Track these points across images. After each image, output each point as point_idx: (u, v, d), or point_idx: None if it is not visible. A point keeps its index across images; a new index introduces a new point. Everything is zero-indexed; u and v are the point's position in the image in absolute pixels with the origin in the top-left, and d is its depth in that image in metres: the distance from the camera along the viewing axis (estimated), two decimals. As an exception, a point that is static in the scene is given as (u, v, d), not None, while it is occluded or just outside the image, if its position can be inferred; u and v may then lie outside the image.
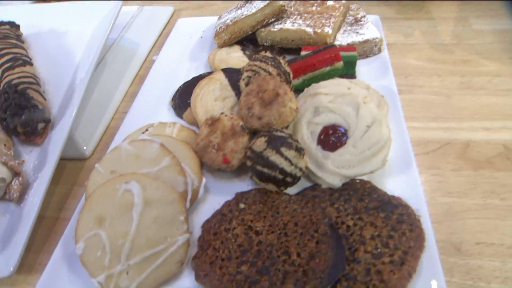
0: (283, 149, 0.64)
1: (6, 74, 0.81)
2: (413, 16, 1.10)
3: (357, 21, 0.98)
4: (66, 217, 0.75)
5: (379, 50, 0.94)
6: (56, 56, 0.92)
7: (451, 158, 0.75)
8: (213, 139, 0.72)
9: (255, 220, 0.66)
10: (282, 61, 0.78)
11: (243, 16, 0.94)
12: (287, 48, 0.96)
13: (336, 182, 0.68)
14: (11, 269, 0.63)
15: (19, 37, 0.92)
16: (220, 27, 0.98)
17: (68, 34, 0.97)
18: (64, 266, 0.64)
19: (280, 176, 0.65)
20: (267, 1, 0.92)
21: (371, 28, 0.94)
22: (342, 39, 0.93)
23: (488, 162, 0.73)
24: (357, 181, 0.70)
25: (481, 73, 0.90)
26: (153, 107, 0.89)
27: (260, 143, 0.66)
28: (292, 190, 0.70)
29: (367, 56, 0.94)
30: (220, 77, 0.85)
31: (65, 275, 0.63)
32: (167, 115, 0.88)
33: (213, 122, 0.72)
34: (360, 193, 0.68)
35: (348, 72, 0.87)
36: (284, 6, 0.92)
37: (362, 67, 0.91)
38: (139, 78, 1.02)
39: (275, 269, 0.59)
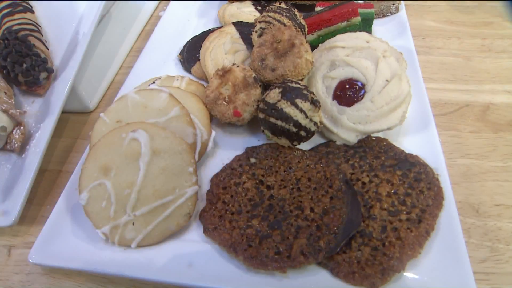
0: (298, 101, 0.61)
1: (5, 20, 0.77)
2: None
3: (374, -22, 0.93)
4: (69, 170, 0.72)
5: (397, 10, 0.89)
6: (58, 5, 0.87)
7: (470, 120, 0.72)
8: (224, 91, 0.68)
9: (267, 174, 0.63)
10: (297, 13, 0.74)
11: (255, -31, 0.89)
12: (300, 5, 0.92)
13: (352, 138, 0.65)
14: (13, 219, 0.61)
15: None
16: (231, -20, 0.93)
17: None
18: (67, 217, 0.62)
19: (294, 129, 0.62)
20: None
21: (389, -15, 0.90)
22: None
23: (509, 125, 0.70)
24: (373, 138, 0.67)
25: (503, 36, 0.87)
26: (160, 61, 0.86)
27: (273, 95, 0.63)
28: (304, 146, 0.67)
29: (383, 16, 0.90)
30: (231, 30, 0.81)
31: (68, 226, 0.61)
32: (174, 69, 0.85)
33: (224, 73, 0.68)
34: (376, 151, 0.65)
35: (364, 30, 0.82)
36: (298, -42, 0.88)
37: (378, 26, 0.87)
38: (145, 34, 0.98)
39: (287, 224, 0.56)
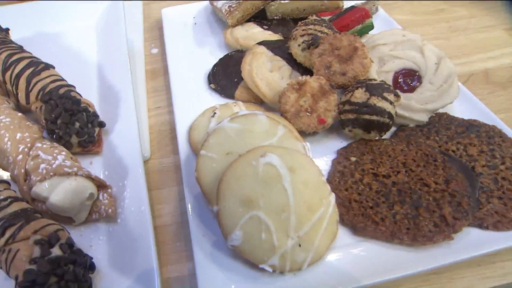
0: (385, 94, 0.68)
1: (34, 80, 0.67)
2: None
3: (348, -13, 1.05)
4: (165, 223, 0.66)
5: (377, 10, 1.02)
6: (67, 57, 0.78)
7: (483, 84, 0.87)
8: (303, 102, 0.71)
9: (375, 167, 0.68)
10: (330, 23, 0.81)
11: (253, -8, 0.93)
12: (298, 19, 0.98)
13: (424, 118, 0.74)
14: (157, 284, 0.54)
15: (12, 41, 0.75)
16: (229, 6, 0.95)
17: (66, 35, 0.83)
18: (214, 268, 0.57)
19: (388, 120, 0.68)
20: (275, -26, 0.93)
21: (365, -9, 1.02)
22: (345, 5, 0.99)
23: (509, 81, 0.88)
24: (434, 115, 0.77)
25: (458, 18, 1.06)
26: (194, 95, 0.83)
27: (360, 94, 0.68)
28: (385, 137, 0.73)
29: (368, 16, 1.02)
30: (263, 50, 0.83)
31: (219, 276, 0.56)
32: (211, 99, 0.83)
33: (300, 86, 0.71)
34: (443, 124, 0.75)
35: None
36: (291, -23, 0.94)
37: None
38: (151, 73, 0.93)
39: (425, 200, 0.62)
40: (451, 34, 1.01)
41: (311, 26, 0.79)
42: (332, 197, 0.60)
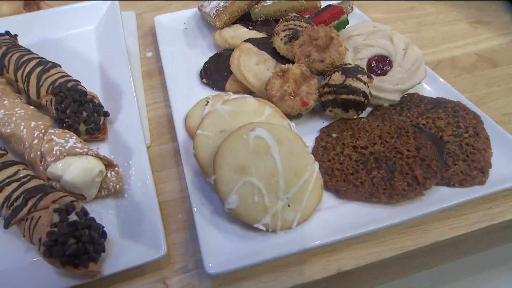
0: (359, 76, 0.76)
1: (44, 76, 0.74)
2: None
3: (324, -10, 1.15)
4: (168, 199, 0.73)
5: (352, 9, 1.12)
6: (70, 59, 0.86)
7: (450, 69, 0.96)
8: (287, 87, 0.79)
9: (354, 141, 0.76)
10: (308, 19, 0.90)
11: (238, -4, 1.02)
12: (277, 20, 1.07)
13: (396, 97, 0.82)
14: (163, 248, 0.60)
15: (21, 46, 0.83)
16: (216, 10, 1.03)
17: (68, 39, 0.91)
18: (213, 230, 0.64)
19: (363, 99, 0.76)
20: (257, -20, 1.02)
21: (340, -8, 1.12)
22: (323, 4, 1.09)
23: (473, 66, 0.97)
24: (405, 95, 0.85)
25: (427, 14, 1.16)
26: (188, 89, 0.91)
27: (337, 77, 0.76)
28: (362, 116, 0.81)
29: (345, 15, 1.11)
30: (249, 46, 0.92)
31: (219, 237, 0.63)
32: (204, 91, 0.91)
33: (284, 73, 0.79)
34: (414, 102, 0.83)
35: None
36: (272, -18, 1.04)
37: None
38: (147, 74, 1.01)
39: (399, 164, 0.70)
40: (421, 28, 1.11)
41: (291, 22, 0.87)
42: (316, 165, 0.68)
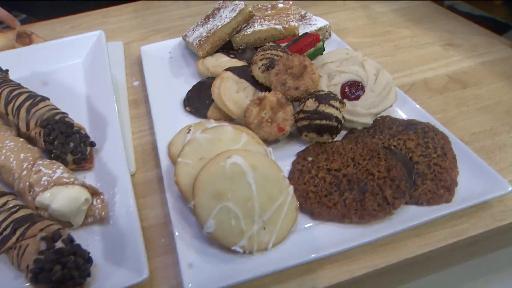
0: (332, 102, 0.81)
1: (33, 110, 0.78)
2: (330, 11, 1.39)
3: (303, 17, 1.21)
4: (151, 224, 0.76)
5: (330, 35, 1.18)
6: (58, 91, 0.90)
7: (423, 91, 1.01)
8: (264, 114, 0.83)
9: (328, 164, 0.80)
10: (285, 48, 0.95)
11: (219, 27, 1.07)
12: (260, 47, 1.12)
13: (369, 120, 0.87)
14: (146, 272, 0.63)
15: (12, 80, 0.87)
16: (199, 40, 1.09)
17: (57, 72, 0.96)
18: (193, 253, 0.67)
19: (335, 124, 0.80)
20: (237, 10, 1.08)
21: (318, 19, 1.18)
22: (301, 31, 1.14)
23: (444, 87, 1.02)
24: (378, 118, 0.90)
25: (402, 37, 1.22)
26: (172, 118, 0.95)
27: (311, 104, 0.81)
28: (337, 139, 0.86)
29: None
30: (229, 74, 0.97)
31: (199, 259, 0.66)
32: (188, 119, 0.95)
33: (260, 100, 0.84)
34: (386, 125, 0.88)
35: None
36: (252, 11, 1.09)
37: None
38: (133, 103, 1.05)
39: (370, 186, 0.74)
40: (396, 51, 1.16)
41: (268, 51, 0.92)
42: (291, 188, 0.72)
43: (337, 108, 0.80)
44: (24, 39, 1.33)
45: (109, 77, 0.88)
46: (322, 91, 0.84)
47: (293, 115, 0.84)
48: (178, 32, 1.33)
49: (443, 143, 0.82)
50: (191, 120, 0.95)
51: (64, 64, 0.96)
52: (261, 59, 0.92)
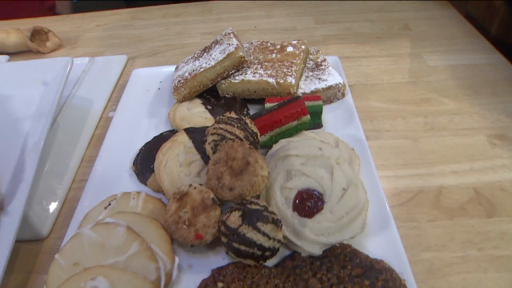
0: (259, 224, 0.61)
1: None
2: (370, 54, 1.11)
3: (317, 65, 0.98)
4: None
5: (343, 95, 0.93)
6: (1, 125, 0.84)
7: (426, 207, 0.74)
8: (183, 214, 0.67)
9: (237, 301, 0.62)
10: (248, 121, 0.75)
11: (201, 70, 0.90)
12: (250, 99, 0.93)
13: (316, 250, 0.66)
14: None
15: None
16: (179, 81, 0.94)
17: (13, 99, 0.90)
18: None
19: (259, 252, 0.61)
20: (226, 53, 0.89)
21: (333, 73, 0.94)
22: (305, 87, 0.92)
23: (462, 209, 0.74)
24: (337, 245, 0.67)
25: (442, 112, 0.92)
26: (114, 173, 0.84)
27: (234, 219, 0.63)
28: (270, 261, 0.66)
29: (331, 102, 0.93)
30: (184, 139, 0.81)
31: None
32: (129, 181, 0.82)
33: (181, 196, 0.67)
34: (341, 260, 0.65)
35: (315, 122, 0.85)
36: (244, 57, 0.90)
37: (327, 114, 0.90)
38: (96, 140, 0.96)
39: None
40: (422, 133, 0.88)
41: (223, 125, 0.74)
42: (160, 336, 0.56)
43: (264, 234, 0.61)
44: (42, 36, 1.31)
45: (49, 113, 0.79)
46: (255, 203, 0.64)
47: (217, 222, 0.67)
48: (184, 54, 1.19)
49: (403, 316, 0.58)
50: (132, 181, 0.83)
51: (23, 91, 0.89)
52: (213, 134, 0.74)
